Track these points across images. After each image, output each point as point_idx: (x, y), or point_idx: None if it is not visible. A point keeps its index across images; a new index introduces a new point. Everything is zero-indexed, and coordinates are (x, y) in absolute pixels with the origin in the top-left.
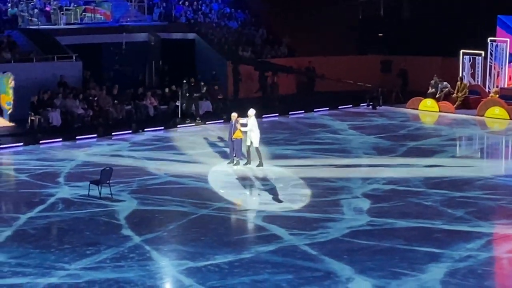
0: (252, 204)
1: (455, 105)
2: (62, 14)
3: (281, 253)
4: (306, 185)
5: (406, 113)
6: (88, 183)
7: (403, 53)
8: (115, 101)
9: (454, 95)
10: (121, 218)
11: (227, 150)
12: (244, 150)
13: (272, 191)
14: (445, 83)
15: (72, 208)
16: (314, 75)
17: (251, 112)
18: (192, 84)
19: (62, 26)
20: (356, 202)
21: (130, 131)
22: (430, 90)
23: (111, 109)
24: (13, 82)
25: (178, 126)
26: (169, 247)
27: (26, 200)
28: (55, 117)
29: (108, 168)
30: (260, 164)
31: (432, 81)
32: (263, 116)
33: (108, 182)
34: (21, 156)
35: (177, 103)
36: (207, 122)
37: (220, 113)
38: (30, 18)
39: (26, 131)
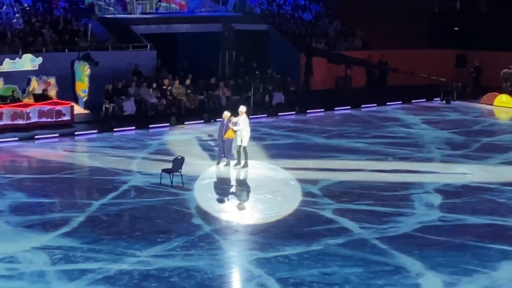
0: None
1: None
2: (138, 3)
3: (351, 246)
4: (375, 179)
5: (481, 109)
6: (160, 171)
7: (479, 48)
8: (188, 90)
9: None
10: (191, 207)
11: (301, 141)
12: (234, 150)
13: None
14: None
15: (144, 196)
16: (387, 68)
17: (242, 109)
18: (269, 75)
19: (137, 16)
20: (427, 197)
21: (202, 121)
22: (504, 85)
23: (184, 99)
24: (88, 70)
25: (250, 117)
26: (239, 237)
27: (99, 187)
28: (129, 106)
29: (180, 157)
30: (245, 165)
31: (507, 70)
32: (335, 108)
33: (179, 171)
34: (95, 143)
35: (249, 94)
36: (278, 114)
37: (292, 105)
38: (106, 7)
39: (100, 118)
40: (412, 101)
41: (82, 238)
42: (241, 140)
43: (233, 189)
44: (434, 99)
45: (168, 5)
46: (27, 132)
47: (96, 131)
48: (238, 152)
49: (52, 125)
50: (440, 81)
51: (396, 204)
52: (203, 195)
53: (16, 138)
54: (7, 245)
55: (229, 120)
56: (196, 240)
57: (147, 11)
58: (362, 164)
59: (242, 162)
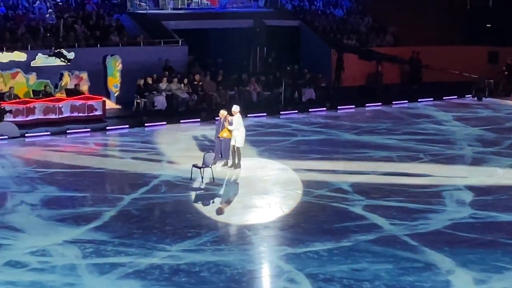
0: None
1: None
2: None
3: (381, 243)
4: (405, 176)
5: None
6: (191, 166)
7: (511, 45)
8: (219, 86)
9: None
10: (222, 202)
11: (332, 137)
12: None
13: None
14: None
15: (174, 191)
16: (418, 65)
17: (236, 108)
18: (296, 71)
19: (169, 11)
20: (458, 194)
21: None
22: None
23: (215, 94)
24: (120, 65)
25: (281, 112)
26: (269, 233)
27: (130, 182)
28: (160, 101)
29: (210, 152)
30: (237, 166)
31: None
32: (366, 104)
33: (210, 166)
34: (127, 138)
35: (280, 90)
36: (309, 110)
37: (323, 101)
38: (138, 2)
39: (131, 113)
40: (444, 97)
41: (113, 232)
42: (235, 140)
43: (263, 185)
44: (466, 96)
45: (199, 0)
46: (59, 126)
47: (127, 126)
48: (233, 152)
49: (84, 120)
50: (472, 78)
51: (426, 201)
52: (233, 191)
53: (48, 133)
54: (39, 238)
55: (225, 119)
56: (226, 235)
57: (179, 6)
58: (392, 160)
59: (236, 162)
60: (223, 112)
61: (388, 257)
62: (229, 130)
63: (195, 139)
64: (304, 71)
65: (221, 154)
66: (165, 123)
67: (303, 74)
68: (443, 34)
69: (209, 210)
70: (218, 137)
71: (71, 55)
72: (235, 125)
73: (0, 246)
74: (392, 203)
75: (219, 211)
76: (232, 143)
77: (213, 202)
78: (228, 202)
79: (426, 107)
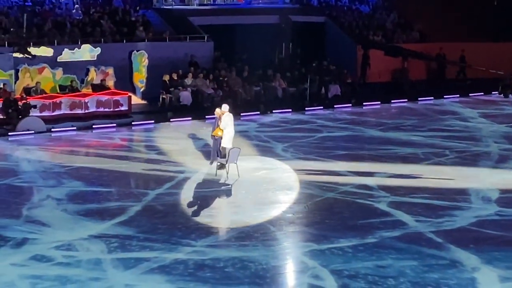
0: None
1: None
2: None
3: (406, 240)
4: (431, 172)
5: None
6: (216, 162)
7: None
8: (245, 82)
9: None
10: (247, 198)
11: (357, 133)
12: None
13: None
14: None
15: (199, 186)
16: (445, 61)
17: (224, 108)
18: (324, 67)
19: (195, 7)
20: (484, 191)
21: (258, 112)
22: None
23: (240, 90)
24: (146, 61)
25: (306, 108)
26: (294, 229)
27: (155, 177)
28: (186, 96)
29: (235, 148)
30: (221, 167)
31: None
32: (392, 101)
33: (235, 162)
34: (152, 133)
35: (305, 86)
36: (335, 106)
37: (348, 97)
38: None
39: (157, 109)
40: (470, 94)
41: (138, 227)
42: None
43: (287, 181)
44: (492, 92)
45: None
46: (85, 121)
47: (153, 121)
48: (218, 151)
49: (109, 115)
50: (499, 74)
51: (452, 198)
52: (258, 187)
53: (74, 128)
54: (65, 233)
55: (219, 118)
56: (251, 231)
57: (205, 2)
58: (418, 157)
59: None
60: (218, 111)
61: (413, 254)
62: (221, 129)
63: None
64: (329, 67)
65: (217, 152)
66: (190, 118)
67: (328, 70)
68: (469, 31)
69: (233, 206)
70: (213, 135)
71: (97, 50)
72: (223, 125)
73: (26, 240)
74: (417, 200)
75: (244, 207)
76: (222, 143)
77: (238, 197)
78: (253, 198)
79: (452, 104)
